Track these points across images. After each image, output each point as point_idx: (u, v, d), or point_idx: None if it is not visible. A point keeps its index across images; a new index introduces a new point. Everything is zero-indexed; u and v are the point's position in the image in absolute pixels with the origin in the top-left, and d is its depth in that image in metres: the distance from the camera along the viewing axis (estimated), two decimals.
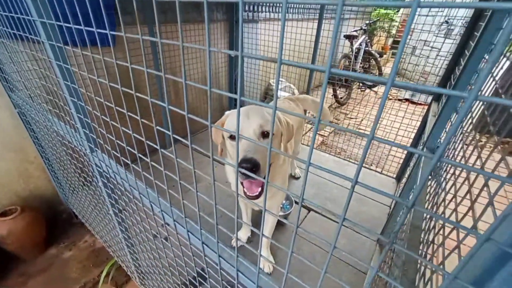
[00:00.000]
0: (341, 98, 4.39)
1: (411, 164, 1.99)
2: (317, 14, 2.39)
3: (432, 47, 5.17)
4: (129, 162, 0.68)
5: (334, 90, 4.21)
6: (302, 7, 3.61)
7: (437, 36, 5.13)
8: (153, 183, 0.64)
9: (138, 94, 0.51)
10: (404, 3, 0.21)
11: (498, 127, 0.67)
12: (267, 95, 3.68)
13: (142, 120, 0.53)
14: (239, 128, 0.88)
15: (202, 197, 0.54)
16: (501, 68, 0.91)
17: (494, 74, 0.81)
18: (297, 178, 2.22)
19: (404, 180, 2.10)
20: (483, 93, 0.98)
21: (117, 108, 0.59)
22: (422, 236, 0.71)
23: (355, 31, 4.41)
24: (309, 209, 1.92)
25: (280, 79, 3.71)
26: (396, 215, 1.39)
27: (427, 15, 5.20)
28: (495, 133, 0.70)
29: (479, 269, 0.31)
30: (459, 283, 0.27)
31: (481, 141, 0.81)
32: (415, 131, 2.30)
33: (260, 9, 2.93)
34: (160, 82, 2.18)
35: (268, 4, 3.09)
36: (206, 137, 2.81)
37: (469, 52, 1.09)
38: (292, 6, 3.36)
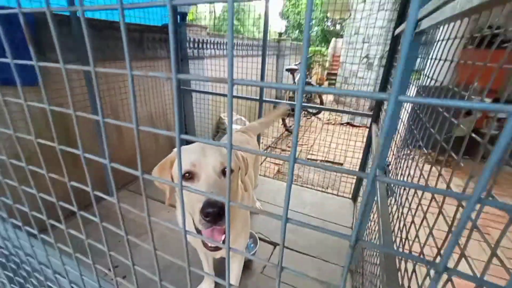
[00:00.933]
0: (290, 126, 4.62)
1: (364, 183, 2.10)
2: (260, 51, 2.54)
3: (359, 78, 5.96)
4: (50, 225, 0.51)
5: (283, 120, 4.42)
6: (246, 44, 3.83)
7: (362, 67, 5.95)
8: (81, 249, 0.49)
9: (62, 147, 0.39)
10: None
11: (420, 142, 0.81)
12: (219, 129, 3.64)
13: (50, 174, 0.41)
14: (196, 166, 0.76)
15: (151, 252, 0.42)
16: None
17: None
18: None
19: (359, 199, 2.20)
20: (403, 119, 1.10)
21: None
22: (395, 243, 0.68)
23: (295, 65, 4.83)
24: (275, 244, 1.82)
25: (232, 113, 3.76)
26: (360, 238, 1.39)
27: (354, 49, 6.05)
28: (418, 147, 0.82)
29: None
30: None
31: (410, 155, 0.94)
32: (360, 150, 2.49)
33: (205, 47, 2.99)
34: (98, 126, 1.95)
35: (213, 42, 3.19)
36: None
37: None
38: (237, 43, 3.54)
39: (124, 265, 0.42)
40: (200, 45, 2.90)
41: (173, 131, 0.28)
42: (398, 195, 1.02)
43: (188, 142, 3.13)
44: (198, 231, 0.82)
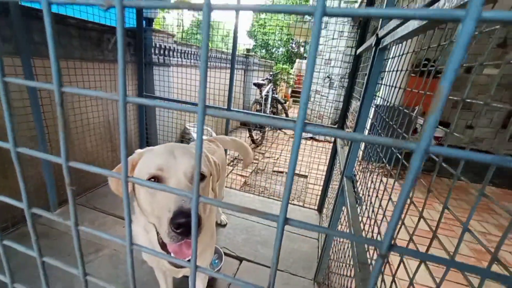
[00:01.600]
0: (257, 139, 4.64)
1: (329, 194, 2.15)
2: (228, 64, 2.55)
3: (321, 95, 6.34)
4: None
5: (250, 131, 4.43)
6: (215, 56, 3.82)
7: (324, 87, 6.35)
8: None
9: None
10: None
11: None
12: (184, 139, 3.49)
13: None
14: (164, 170, 0.67)
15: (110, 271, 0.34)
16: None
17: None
18: (224, 225, 2.03)
19: (324, 210, 2.23)
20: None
21: None
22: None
23: (263, 80, 4.94)
24: (241, 259, 1.73)
25: (196, 122, 3.65)
26: (328, 248, 1.39)
27: (318, 72, 6.44)
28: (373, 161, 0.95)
29: None
30: None
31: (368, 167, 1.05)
32: (322, 162, 2.57)
33: (172, 54, 2.89)
34: (41, 126, 1.71)
35: (180, 51, 3.11)
36: (111, 191, 2.31)
37: (361, 98, 1.30)
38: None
39: None
40: (167, 52, 2.80)
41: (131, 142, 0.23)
42: (364, 203, 1.04)
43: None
44: (163, 246, 0.71)
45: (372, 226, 0.77)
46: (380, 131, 1.00)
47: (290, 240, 1.93)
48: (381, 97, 0.98)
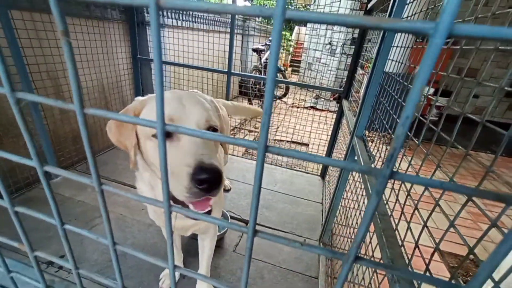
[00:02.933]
0: None
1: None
2: (227, 27, 2.35)
3: (323, 63, 6.10)
4: None
5: (249, 101, 4.31)
6: (212, 19, 3.56)
7: (325, 54, 6.08)
8: None
9: None
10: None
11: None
12: None
13: None
14: (174, 120, 0.61)
15: (117, 234, 0.29)
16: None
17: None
18: (228, 190, 2.02)
19: (327, 177, 2.23)
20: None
21: None
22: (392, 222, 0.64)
23: (262, 45, 4.70)
24: (246, 222, 1.74)
25: (194, 89, 3.50)
26: (335, 209, 1.39)
27: (317, 37, 6.13)
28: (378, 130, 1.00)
29: None
30: None
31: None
32: (322, 132, 2.52)
33: (166, 15, 2.67)
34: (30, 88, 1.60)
35: (174, 12, 2.87)
36: (111, 158, 2.26)
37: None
38: (202, 16, 3.25)
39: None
40: (160, 12, 2.58)
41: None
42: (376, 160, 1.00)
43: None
44: (174, 199, 0.66)
45: None
46: (381, 100, 0.97)
47: (294, 204, 1.94)
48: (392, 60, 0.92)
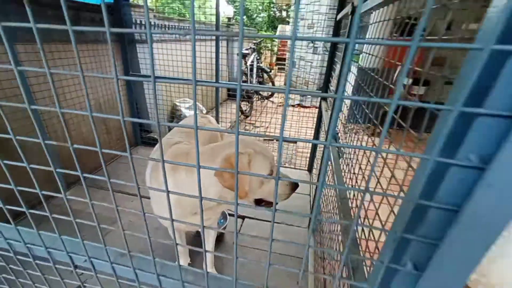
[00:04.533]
0: (245, 110, 4.73)
1: (317, 155, 2.35)
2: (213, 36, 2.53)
3: (306, 61, 6.33)
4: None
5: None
6: (196, 28, 3.72)
7: (308, 52, 6.31)
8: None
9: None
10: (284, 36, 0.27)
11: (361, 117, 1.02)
12: (174, 116, 3.55)
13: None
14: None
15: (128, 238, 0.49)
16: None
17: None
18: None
19: (314, 170, 2.45)
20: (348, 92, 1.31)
21: None
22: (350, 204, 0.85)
23: (246, 49, 4.88)
24: (243, 217, 1.95)
25: (185, 98, 3.66)
26: (318, 199, 1.61)
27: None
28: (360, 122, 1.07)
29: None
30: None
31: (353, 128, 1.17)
32: (310, 127, 2.73)
33: (153, 29, 2.83)
34: (36, 114, 1.76)
35: (161, 26, 3.03)
36: (115, 170, 2.43)
37: (340, 64, 1.42)
38: (186, 27, 3.42)
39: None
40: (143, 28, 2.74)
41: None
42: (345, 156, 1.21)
43: (150, 140, 2.95)
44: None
45: (350, 174, 0.95)
46: (356, 93, 1.14)
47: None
48: (358, 63, 1.11)
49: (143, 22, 2.66)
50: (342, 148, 1.25)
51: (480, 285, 1.42)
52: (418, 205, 0.30)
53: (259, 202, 0.99)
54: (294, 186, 1.02)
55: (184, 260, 1.50)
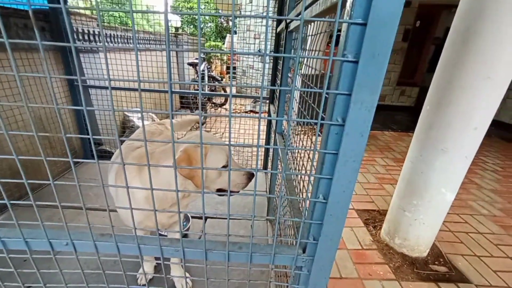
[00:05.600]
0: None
1: (270, 155, 2.56)
2: (157, 45, 2.58)
3: (255, 70, 6.68)
4: None
5: (191, 110, 4.53)
6: (143, 38, 3.69)
7: (257, 61, 6.68)
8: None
9: None
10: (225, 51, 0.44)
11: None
12: (126, 127, 3.43)
13: None
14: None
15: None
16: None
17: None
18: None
19: (268, 168, 2.66)
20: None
21: None
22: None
23: (196, 59, 4.97)
24: (206, 218, 2.03)
25: (137, 108, 3.57)
26: (273, 192, 1.80)
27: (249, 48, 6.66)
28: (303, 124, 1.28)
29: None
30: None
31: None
32: (263, 131, 2.97)
33: (98, 39, 2.74)
34: None
35: (105, 35, 2.94)
36: (58, 188, 2.25)
37: (280, 71, 1.65)
38: (128, 37, 3.36)
39: None
40: (92, 38, 2.65)
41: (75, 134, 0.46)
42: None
43: (102, 153, 2.82)
44: None
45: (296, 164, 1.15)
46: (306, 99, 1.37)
47: (244, 196, 2.31)
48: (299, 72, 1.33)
49: (86, 31, 2.57)
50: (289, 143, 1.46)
51: (403, 248, 1.85)
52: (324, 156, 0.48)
53: (220, 191, 1.10)
54: (250, 175, 1.13)
55: (149, 266, 1.51)
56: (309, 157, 0.82)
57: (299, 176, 1.03)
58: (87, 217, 0.57)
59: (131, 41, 3.36)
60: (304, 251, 0.58)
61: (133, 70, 2.88)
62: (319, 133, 0.48)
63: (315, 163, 0.52)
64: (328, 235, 0.52)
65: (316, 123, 0.44)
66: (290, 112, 0.86)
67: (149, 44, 3.86)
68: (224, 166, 1.05)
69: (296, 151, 1.17)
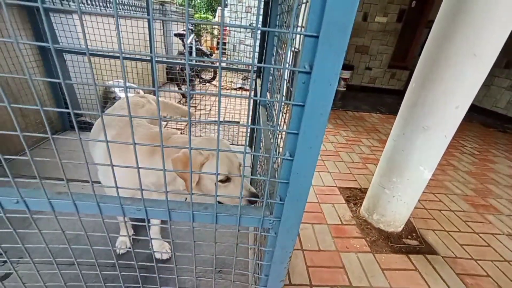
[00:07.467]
0: (185, 92, 4.64)
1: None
2: (144, 13, 2.40)
3: (246, 45, 6.45)
4: None
5: (178, 85, 4.38)
6: (126, 3, 3.43)
7: (247, 37, 6.43)
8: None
9: None
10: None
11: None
12: (108, 99, 3.28)
13: None
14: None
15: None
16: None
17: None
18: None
19: (254, 144, 2.64)
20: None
21: None
22: None
23: (183, 30, 4.71)
24: None
25: (118, 80, 3.40)
26: (256, 167, 1.79)
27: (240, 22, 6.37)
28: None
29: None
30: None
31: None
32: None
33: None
34: None
35: None
36: (40, 156, 2.16)
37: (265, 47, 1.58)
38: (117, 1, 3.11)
39: None
40: None
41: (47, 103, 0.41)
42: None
43: (81, 124, 2.68)
44: None
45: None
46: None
47: None
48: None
49: None
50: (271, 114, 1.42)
51: (380, 223, 1.89)
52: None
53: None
54: (251, 201, 0.95)
55: (127, 232, 1.50)
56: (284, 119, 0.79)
57: (276, 137, 1.01)
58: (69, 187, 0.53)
59: (111, 5, 3.11)
60: (271, 213, 0.57)
61: (113, 36, 2.69)
62: (290, 86, 0.45)
63: (286, 119, 0.49)
64: (295, 195, 0.51)
65: (283, 69, 0.40)
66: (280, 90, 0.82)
67: (135, 11, 3.61)
68: (223, 180, 0.97)
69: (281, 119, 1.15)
